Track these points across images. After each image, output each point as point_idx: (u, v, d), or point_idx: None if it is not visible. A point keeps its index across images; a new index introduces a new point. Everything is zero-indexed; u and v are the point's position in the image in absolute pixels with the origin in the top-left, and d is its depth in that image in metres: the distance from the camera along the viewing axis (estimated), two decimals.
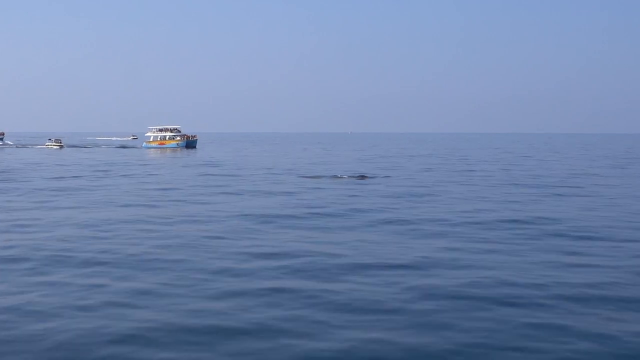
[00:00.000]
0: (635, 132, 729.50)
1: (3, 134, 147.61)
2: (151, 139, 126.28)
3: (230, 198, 35.10)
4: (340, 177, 48.48)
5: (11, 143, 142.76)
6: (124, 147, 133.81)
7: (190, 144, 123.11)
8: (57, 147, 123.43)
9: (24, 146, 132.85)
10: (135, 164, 69.20)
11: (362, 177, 48.42)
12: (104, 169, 59.65)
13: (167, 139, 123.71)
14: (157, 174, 53.96)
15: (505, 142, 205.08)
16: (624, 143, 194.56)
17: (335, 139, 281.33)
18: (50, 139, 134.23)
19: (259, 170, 57.97)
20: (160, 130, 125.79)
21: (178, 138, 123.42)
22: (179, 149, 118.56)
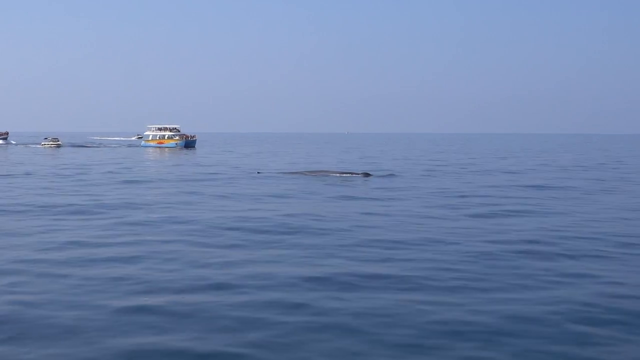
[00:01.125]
0: (636, 132, 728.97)
1: (7, 134, 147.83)
2: (150, 138, 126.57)
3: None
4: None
5: (14, 142, 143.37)
6: (126, 146, 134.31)
7: (189, 143, 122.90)
8: (55, 146, 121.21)
9: (24, 145, 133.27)
10: (112, 165, 69.54)
11: (366, 174, 48.57)
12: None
13: (165, 138, 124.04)
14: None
15: (503, 143, 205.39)
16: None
17: (331, 139, 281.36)
18: (46, 138, 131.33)
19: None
20: (160, 129, 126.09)
21: (177, 138, 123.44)
22: (177, 148, 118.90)
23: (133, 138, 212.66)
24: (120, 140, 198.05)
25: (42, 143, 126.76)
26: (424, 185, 41.93)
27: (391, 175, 50.08)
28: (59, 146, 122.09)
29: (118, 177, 47.70)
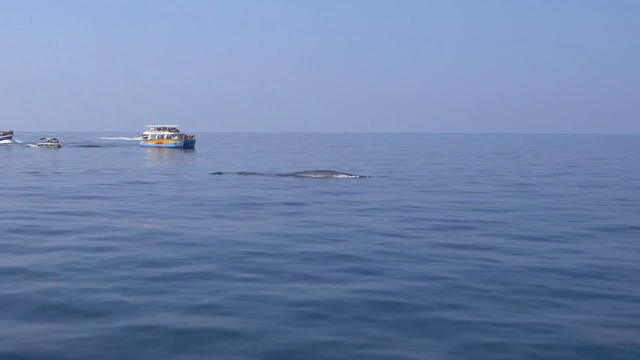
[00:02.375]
0: (636, 133, 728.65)
1: (11, 133, 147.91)
2: (149, 138, 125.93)
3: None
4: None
5: (19, 141, 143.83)
6: (125, 146, 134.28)
7: (187, 143, 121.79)
8: (54, 146, 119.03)
9: (21, 144, 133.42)
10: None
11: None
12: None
13: (164, 138, 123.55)
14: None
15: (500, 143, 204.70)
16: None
17: (326, 139, 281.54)
18: (43, 138, 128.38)
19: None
20: (159, 129, 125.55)
21: (176, 137, 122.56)
22: (176, 148, 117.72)
23: (139, 138, 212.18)
24: (124, 140, 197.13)
25: (39, 143, 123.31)
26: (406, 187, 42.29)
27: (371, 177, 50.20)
28: (59, 146, 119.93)
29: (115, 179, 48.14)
